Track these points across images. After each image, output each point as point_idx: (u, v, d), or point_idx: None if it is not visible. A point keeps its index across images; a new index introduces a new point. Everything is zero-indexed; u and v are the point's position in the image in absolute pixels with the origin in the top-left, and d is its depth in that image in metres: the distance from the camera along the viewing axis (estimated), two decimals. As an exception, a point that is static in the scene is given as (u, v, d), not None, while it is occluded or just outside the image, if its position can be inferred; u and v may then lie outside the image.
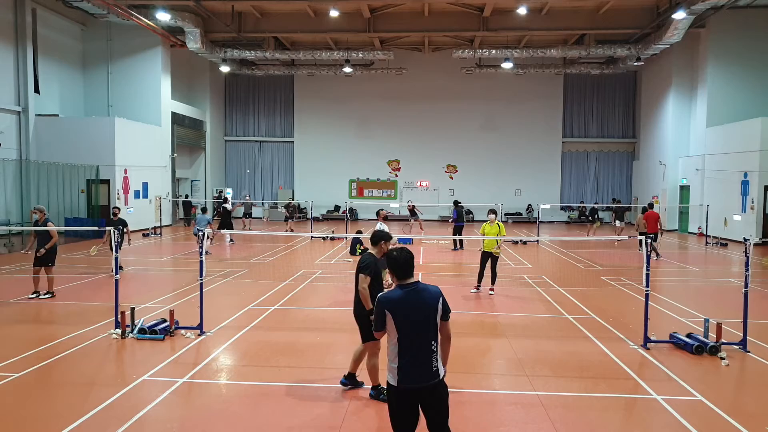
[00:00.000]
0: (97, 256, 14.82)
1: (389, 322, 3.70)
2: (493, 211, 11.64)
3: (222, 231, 17.87)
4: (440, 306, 3.76)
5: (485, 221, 11.75)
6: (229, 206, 20.90)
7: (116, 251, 8.54)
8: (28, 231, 18.81)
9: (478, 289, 11.51)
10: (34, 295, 10.49)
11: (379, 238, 5.99)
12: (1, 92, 20.53)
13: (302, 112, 34.19)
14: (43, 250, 10.37)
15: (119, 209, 13.90)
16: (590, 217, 24.08)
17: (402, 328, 3.68)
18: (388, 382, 3.75)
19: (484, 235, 11.42)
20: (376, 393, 5.79)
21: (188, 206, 19.91)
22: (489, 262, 11.42)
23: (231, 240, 20.49)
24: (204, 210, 18.42)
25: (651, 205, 19.44)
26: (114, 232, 8.43)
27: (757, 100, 23.33)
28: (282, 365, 6.96)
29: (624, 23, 23.71)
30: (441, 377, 3.74)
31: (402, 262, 3.80)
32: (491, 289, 11.36)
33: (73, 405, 5.61)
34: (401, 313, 3.69)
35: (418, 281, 3.82)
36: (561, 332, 8.65)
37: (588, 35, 25.21)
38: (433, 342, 3.72)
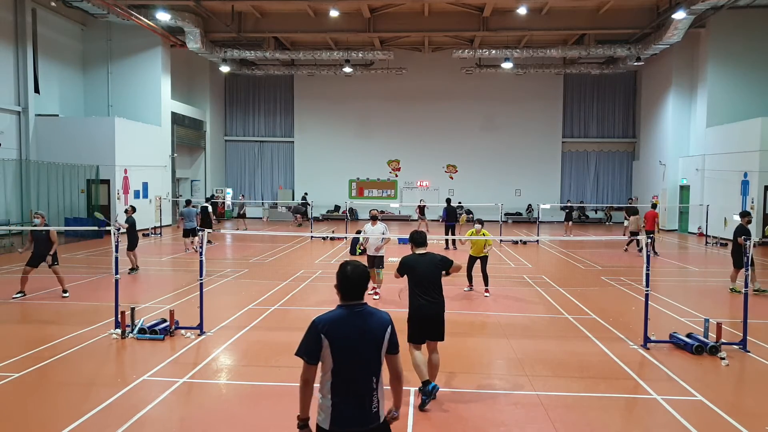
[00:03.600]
0: (96, 257, 14.80)
1: (324, 349, 3.08)
2: (479, 222, 11.86)
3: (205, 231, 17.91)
4: (387, 337, 3.17)
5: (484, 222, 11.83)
6: (209, 206, 20.59)
7: (116, 251, 8.53)
8: (27, 231, 18.86)
9: (470, 288, 11.70)
10: (19, 295, 10.53)
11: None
12: (1, 92, 20.52)
13: (302, 112, 34.19)
14: (49, 258, 10.58)
15: (134, 208, 14.38)
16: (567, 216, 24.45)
17: (338, 358, 3.07)
18: (317, 424, 3.12)
19: (470, 242, 11.55)
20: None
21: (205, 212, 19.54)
22: (479, 265, 11.48)
23: (209, 241, 20.12)
24: (189, 202, 18.40)
25: (654, 205, 19.51)
26: (114, 232, 8.43)
27: (757, 100, 23.33)
28: (282, 365, 6.96)
29: (624, 23, 23.71)
30: (381, 420, 3.17)
31: (356, 279, 3.20)
32: (486, 291, 11.36)
33: (73, 405, 5.61)
34: (340, 338, 3.08)
35: (366, 303, 3.23)
36: (561, 332, 8.65)
37: (588, 35, 25.21)
38: (374, 378, 3.13)
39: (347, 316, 3.15)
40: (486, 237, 11.30)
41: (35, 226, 10.84)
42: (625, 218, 21.04)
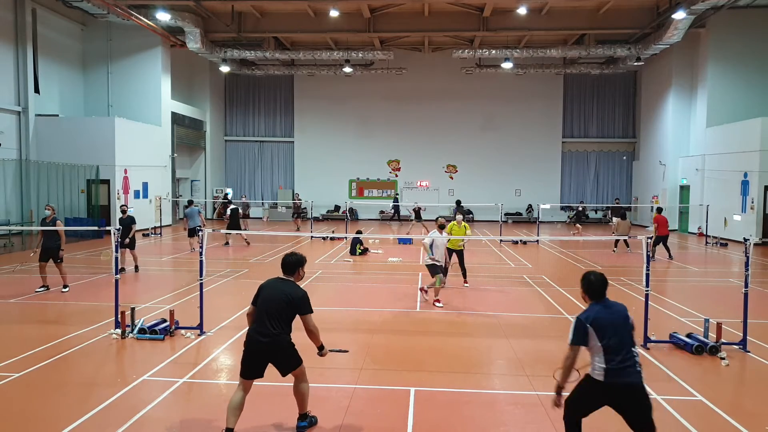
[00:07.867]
0: (96, 257, 14.81)
1: None
2: (461, 213, 12.53)
3: (231, 232, 17.66)
4: None
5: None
6: (238, 207, 20.37)
7: (116, 251, 8.53)
8: (28, 231, 18.86)
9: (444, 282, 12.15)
10: (42, 289, 10.82)
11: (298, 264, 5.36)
12: (1, 92, 20.53)
13: (302, 112, 34.19)
14: (61, 252, 10.88)
15: (127, 207, 14.42)
16: (576, 218, 24.41)
17: None
18: None
19: (450, 234, 11.71)
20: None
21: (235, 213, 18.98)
22: (456, 259, 12.01)
23: (246, 242, 19.89)
24: (191, 202, 18.38)
25: (660, 209, 19.31)
26: (114, 231, 8.41)
27: (757, 100, 23.34)
28: (282, 365, 6.94)
29: (624, 23, 23.72)
30: None
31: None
32: (465, 282, 12.01)
33: (73, 405, 5.61)
34: None
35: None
36: (561, 332, 8.62)
37: (588, 35, 25.21)
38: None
39: None
40: (466, 238, 11.68)
41: (45, 217, 11.14)
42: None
